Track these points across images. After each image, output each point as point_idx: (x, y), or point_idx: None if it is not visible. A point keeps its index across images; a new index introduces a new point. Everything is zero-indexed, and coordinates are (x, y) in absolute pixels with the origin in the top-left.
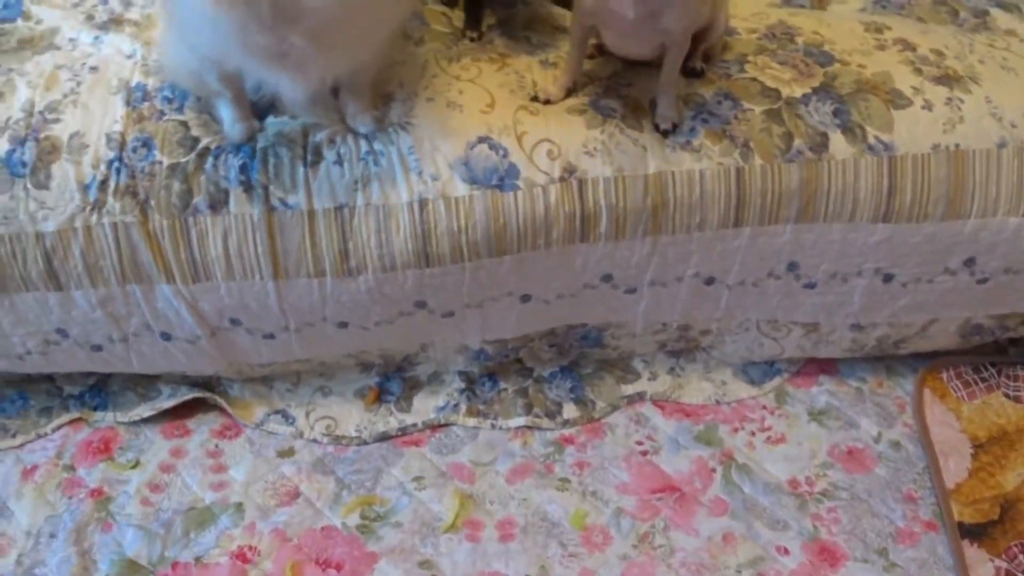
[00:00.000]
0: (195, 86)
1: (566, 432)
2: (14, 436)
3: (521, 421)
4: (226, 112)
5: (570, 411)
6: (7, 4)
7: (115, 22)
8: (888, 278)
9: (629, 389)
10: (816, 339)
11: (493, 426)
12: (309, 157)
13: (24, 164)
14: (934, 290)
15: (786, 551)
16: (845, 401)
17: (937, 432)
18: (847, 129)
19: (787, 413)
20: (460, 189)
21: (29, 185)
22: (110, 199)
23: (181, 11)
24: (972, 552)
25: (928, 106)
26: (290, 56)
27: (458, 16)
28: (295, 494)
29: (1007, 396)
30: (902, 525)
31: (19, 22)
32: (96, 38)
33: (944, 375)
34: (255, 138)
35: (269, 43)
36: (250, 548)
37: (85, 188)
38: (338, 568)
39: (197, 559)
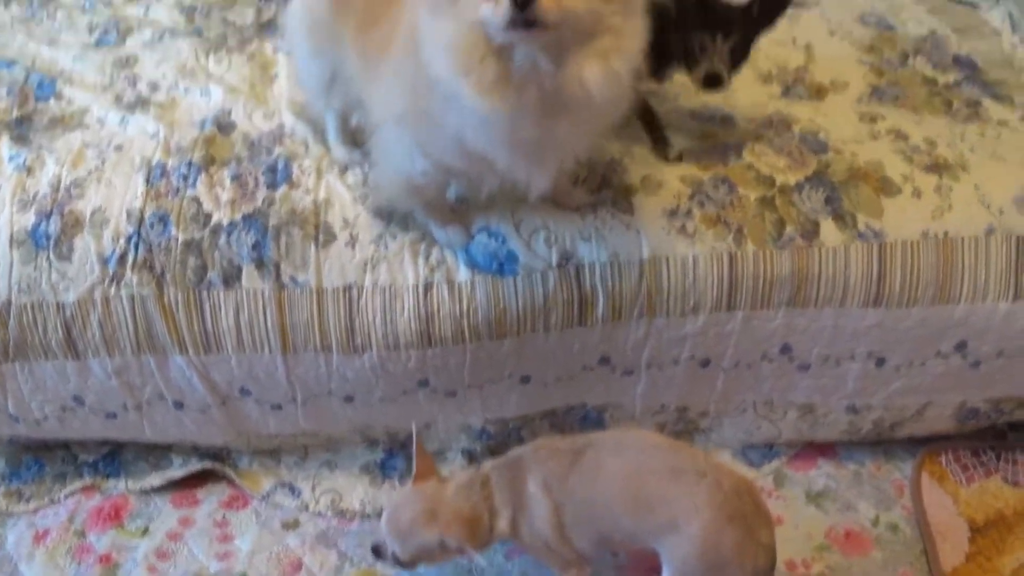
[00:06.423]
0: (420, 202)
1: None
2: (28, 501)
3: None
4: (441, 228)
5: None
6: (42, 84)
7: (141, 103)
8: (881, 362)
9: None
10: (812, 421)
11: None
12: (321, 237)
13: (48, 237)
14: (927, 373)
15: None
16: (843, 484)
17: (935, 515)
18: (838, 216)
19: (785, 495)
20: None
21: (52, 257)
22: (128, 272)
23: (442, 119)
24: None
25: (917, 193)
26: (549, 147)
27: None
28: (298, 565)
29: (1005, 480)
30: None
31: (52, 102)
32: (123, 118)
33: (942, 459)
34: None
35: (536, 136)
36: None
37: (105, 261)
38: None
39: None
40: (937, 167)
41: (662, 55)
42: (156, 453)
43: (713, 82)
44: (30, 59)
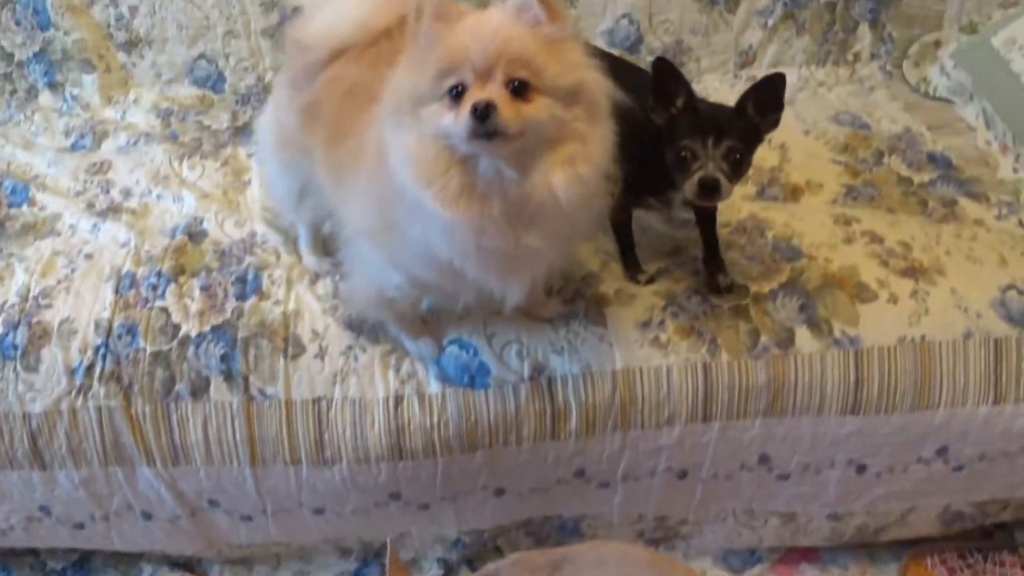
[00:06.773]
0: (391, 314)
1: None
2: None
3: None
4: (413, 341)
5: None
6: (15, 190)
7: (113, 210)
8: (861, 469)
9: None
10: (794, 529)
11: None
12: (290, 349)
13: (15, 347)
14: (909, 479)
15: None
16: None
17: None
18: (813, 324)
19: None
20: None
21: (19, 367)
22: (95, 384)
23: (409, 230)
24: None
25: (894, 299)
26: (520, 257)
27: None
28: None
29: None
30: None
31: (24, 208)
32: (95, 226)
33: (928, 561)
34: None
35: (504, 246)
36: None
37: (72, 372)
38: None
39: None
40: (913, 271)
41: (662, 179)
42: (126, 561)
43: (709, 189)
44: (5, 163)
